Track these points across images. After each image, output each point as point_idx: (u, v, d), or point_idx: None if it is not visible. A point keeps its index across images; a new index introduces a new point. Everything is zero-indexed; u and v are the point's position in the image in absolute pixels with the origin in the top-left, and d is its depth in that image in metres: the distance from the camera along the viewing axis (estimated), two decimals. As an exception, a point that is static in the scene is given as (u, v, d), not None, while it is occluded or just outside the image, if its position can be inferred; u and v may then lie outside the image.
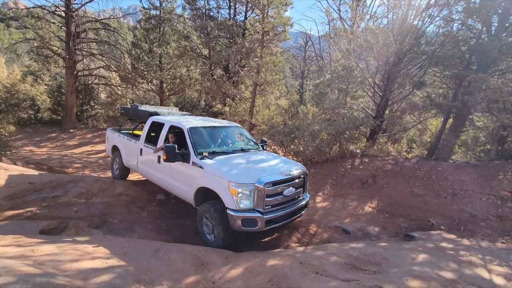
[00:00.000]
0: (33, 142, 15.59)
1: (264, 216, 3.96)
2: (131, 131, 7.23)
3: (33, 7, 16.85)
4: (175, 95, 19.98)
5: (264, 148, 5.91)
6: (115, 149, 7.02)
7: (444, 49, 7.80)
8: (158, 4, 17.55)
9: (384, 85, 8.87)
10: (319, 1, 44.69)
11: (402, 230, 5.30)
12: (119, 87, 19.46)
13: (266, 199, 4.02)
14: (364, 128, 9.36)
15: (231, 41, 14.99)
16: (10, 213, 4.95)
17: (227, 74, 15.63)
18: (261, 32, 11.32)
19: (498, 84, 7.17)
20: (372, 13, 13.87)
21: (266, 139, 6.32)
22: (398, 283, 2.89)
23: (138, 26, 19.06)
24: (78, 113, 18.84)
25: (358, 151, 8.54)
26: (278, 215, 4.19)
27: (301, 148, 8.80)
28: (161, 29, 17.93)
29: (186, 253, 3.57)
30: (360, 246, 4.27)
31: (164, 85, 18.65)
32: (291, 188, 4.36)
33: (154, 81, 18.55)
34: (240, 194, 3.92)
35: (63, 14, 16.64)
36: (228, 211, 3.96)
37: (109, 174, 9.34)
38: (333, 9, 15.57)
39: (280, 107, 13.55)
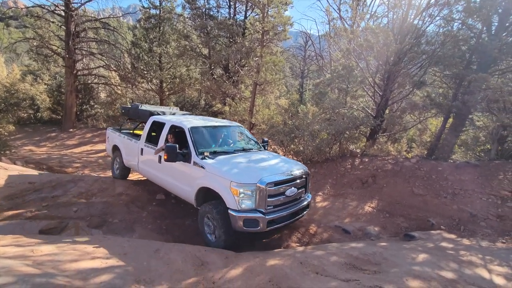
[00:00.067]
0: (32, 141, 15.57)
1: (266, 217, 3.93)
2: (131, 131, 7.23)
3: (32, 6, 16.81)
4: (175, 94, 19.95)
5: (265, 148, 5.88)
6: (115, 148, 7.00)
7: (444, 48, 7.79)
8: (157, 3, 17.51)
9: (384, 84, 8.87)
10: (319, 1, 44.88)
11: (402, 230, 5.30)
12: (118, 87, 19.43)
13: (268, 200, 4.00)
14: (364, 128, 9.35)
15: (231, 40, 14.97)
16: (9, 213, 4.94)
17: (227, 74, 15.62)
18: (261, 31, 11.30)
19: (498, 84, 7.16)
20: (372, 13, 13.88)
21: (267, 139, 6.29)
22: (398, 283, 2.89)
23: (137, 25, 19.02)
24: (78, 113, 18.81)
25: (358, 150, 8.54)
26: (280, 215, 4.15)
27: (301, 148, 8.80)
28: (161, 28, 17.89)
29: (186, 253, 3.56)
30: (360, 246, 4.27)
31: (164, 84, 18.63)
32: (293, 188, 4.33)
33: (154, 81, 18.52)
34: (242, 194, 3.89)
35: (63, 13, 16.60)
36: (229, 211, 3.93)
37: (108, 173, 9.33)
38: (333, 8, 15.58)
39: (280, 106, 13.55)
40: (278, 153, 8.19)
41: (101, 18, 19.08)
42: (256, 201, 3.93)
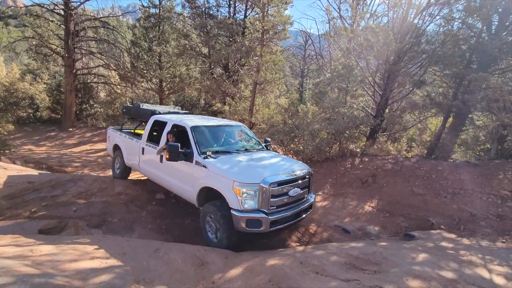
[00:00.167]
0: (32, 141, 15.54)
1: (269, 217, 3.89)
2: (132, 130, 7.21)
3: (31, 5, 16.78)
4: (174, 93, 19.92)
5: (268, 148, 5.84)
6: (116, 148, 6.98)
7: (444, 48, 7.78)
8: (157, 3, 17.46)
9: (384, 84, 8.86)
10: (319, 0, 44.60)
11: (402, 229, 5.30)
12: (118, 86, 19.38)
13: (271, 200, 3.96)
14: (364, 127, 9.35)
15: (231, 39, 14.94)
16: (9, 212, 4.93)
17: (227, 73, 15.60)
18: (261, 30, 11.29)
19: (499, 83, 7.16)
20: (372, 12, 13.85)
21: (269, 139, 6.28)
22: (398, 283, 2.88)
23: (137, 24, 18.98)
24: (77, 112, 18.77)
25: (358, 150, 8.54)
26: (283, 216, 4.10)
27: (301, 147, 8.79)
28: (161, 27, 17.85)
29: (186, 252, 3.55)
30: (360, 245, 4.27)
31: (164, 83, 18.60)
32: (296, 188, 4.30)
33: (154, 80, 18.48)
34: (245, 194, 3.85)
35: (62, 12, 16.56)
36: (232, 211, 3.89)
37: (108, 173, 9.33)
38: (333, 7, 15.61)
39: (280, 106, 13.52)
40: (278, 153, 8.18)
41: (101, 17, 19.01)
42: (259, 201, 3.89)
